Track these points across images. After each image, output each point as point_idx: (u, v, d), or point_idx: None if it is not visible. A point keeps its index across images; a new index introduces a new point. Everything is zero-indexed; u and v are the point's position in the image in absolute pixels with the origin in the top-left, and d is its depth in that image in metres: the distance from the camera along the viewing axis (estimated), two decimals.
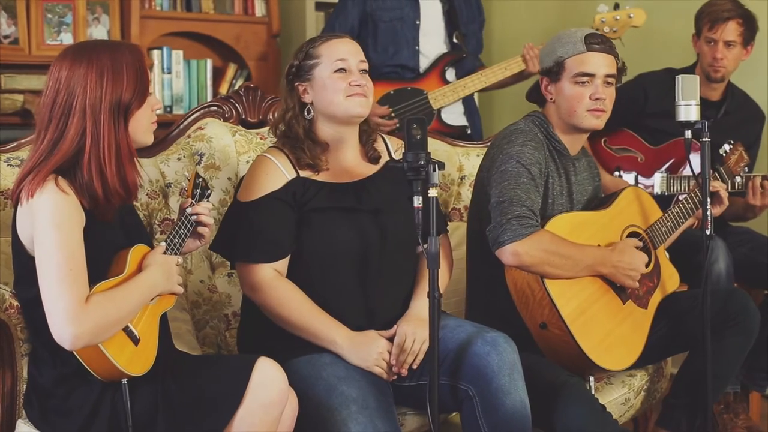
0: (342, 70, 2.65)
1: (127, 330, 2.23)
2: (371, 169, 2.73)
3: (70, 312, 2.11)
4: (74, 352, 2.17)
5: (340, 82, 2.64)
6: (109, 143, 2.24)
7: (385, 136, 2.85)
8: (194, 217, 2.43)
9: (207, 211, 2.46)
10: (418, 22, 4.02)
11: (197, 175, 2.49)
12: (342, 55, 2.66)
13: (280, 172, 2.65)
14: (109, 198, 2.25)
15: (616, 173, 3.76)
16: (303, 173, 2.66)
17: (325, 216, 2.63)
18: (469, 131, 4.11)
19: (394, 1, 3.99)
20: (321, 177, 2.67)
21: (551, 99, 2.95)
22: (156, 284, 2.29)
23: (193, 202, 2.45)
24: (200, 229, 2.46)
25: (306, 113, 2.69)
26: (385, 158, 2.78)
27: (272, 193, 2.62)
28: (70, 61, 2.25)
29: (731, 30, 3.65)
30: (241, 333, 2.80)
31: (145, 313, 2.30)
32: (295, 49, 2.77)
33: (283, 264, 2.63)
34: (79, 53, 2.26)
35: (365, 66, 2.70)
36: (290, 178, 2.64)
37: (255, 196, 2.63)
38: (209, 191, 2.50)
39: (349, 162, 2.72)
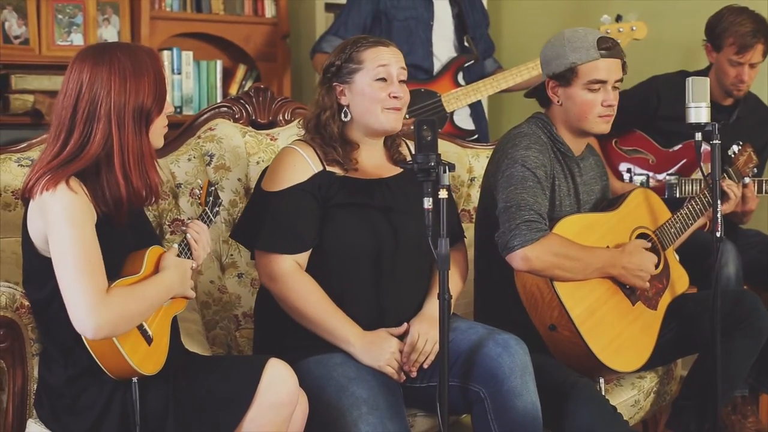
0: (383, 79, 2.64)
1: (141, 329, 2.24)
2: (394, 171, 2.73)
3: (92, 302, 2.13)
4: (89, 349, 2.18)
5: (380, 92, 2.64)
6: (134, 148, 2.25)
7: (407, 141, 2.85)
8: (188, 234, 2.41)
9: (199, 233, 2.41)
10: (432, 23, 4.01)
11: (210, 184, 2.52)
12: (384, 60, 2.65)
13: (307, 164, 2.65)
14: (132, 201, 2.27)
15: (627, 174, 3.75)
16: (329, 168, 2.66)
17: (345, 212, 2.64)
18: (476, 135, 4.11)
19: (409, 0, 3.99)
20: (346, 173, 2.67)
21: (558, 102, 2.92)
22: (172, 286, 2.31)
23: (207, 209, 2.48)
24: (192, 246, 2.40)
25: (343, 116, 2.69)
26: None
27: (299, 185, 2.63)
28: (91, 63, 2.24)
29: (758, 53, 3.62)
30: (256, 331, 2.80)
31: (159, 314, 2.31)
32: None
33: (304, 257, 2.63)
34: (99, 55, 2.26)
35: (404, 75, 2.69)
36: (316, 171, 2.65)
37: (281, 186, 2.64)
38: (220, 200, 2.55)
39: (374, 162, 2.73)
